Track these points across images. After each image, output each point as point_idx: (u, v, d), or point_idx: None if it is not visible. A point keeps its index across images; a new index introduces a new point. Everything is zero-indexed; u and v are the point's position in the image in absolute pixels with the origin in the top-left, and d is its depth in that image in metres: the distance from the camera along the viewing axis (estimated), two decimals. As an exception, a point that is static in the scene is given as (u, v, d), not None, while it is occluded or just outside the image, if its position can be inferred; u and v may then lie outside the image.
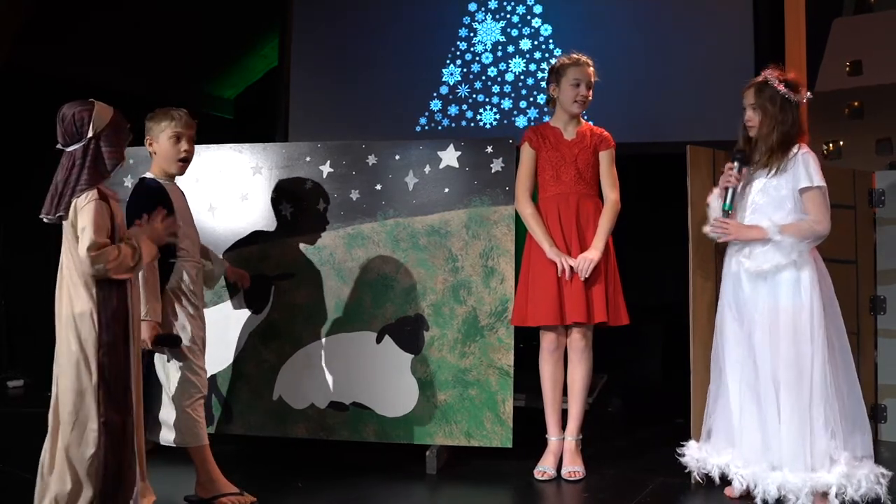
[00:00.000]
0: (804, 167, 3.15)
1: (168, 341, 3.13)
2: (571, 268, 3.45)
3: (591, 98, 3.64)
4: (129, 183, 4.06)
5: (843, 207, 3.86)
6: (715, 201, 3.30)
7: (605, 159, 3.63)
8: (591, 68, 3.63)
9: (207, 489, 3.12)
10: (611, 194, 3.61)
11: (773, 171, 3.18)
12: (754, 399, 3.15)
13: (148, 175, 3.30)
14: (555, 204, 3.57)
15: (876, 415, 4.10)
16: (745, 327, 3.19)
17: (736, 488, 3.20)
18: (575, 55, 3.65)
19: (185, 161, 3.29)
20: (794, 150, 3.19)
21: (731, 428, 3.23)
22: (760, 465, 3.09)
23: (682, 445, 3.37)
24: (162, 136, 3.25)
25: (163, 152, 3.26)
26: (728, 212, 3.21)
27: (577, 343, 3.55)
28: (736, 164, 3.23)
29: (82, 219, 2.56)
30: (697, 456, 3.29)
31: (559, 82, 3.62)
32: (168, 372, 3.17)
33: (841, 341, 3.17)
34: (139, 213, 2.98)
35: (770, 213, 3.15)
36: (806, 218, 3.12)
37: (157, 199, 3.13)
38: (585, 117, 3.81)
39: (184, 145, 3.27)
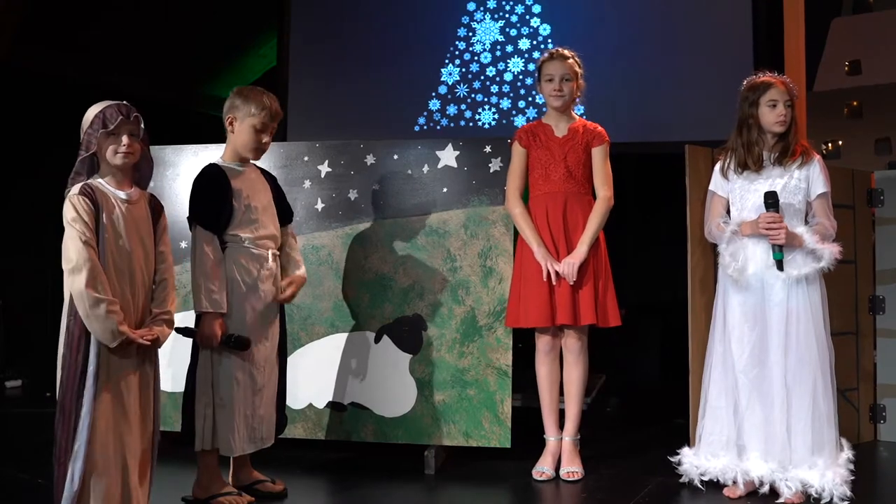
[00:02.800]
0: (823, 174, 3.23)
1: (236, 344, 3.03)
2: (557, 273, 3.40)
3: (573, 89, 3.54)
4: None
5: (842, 207, 3.86)
6: (728, 244, 3.24)
7: (598, 155, 3.54)
8: (569, 60, 3.53)
9: (206, 489, 3.11)
10: (602, 191, 3.51)
11: (787, 175, 3.21)
12: (765, 399, 3.16)
13: (217, 160, 3.22)
14: (543, 203, 3.52)
15: (875, 415, 4.09)
16: (757, 328, 3.19)
17: (738, 488, 3.20)
18: (551, 50, 3.62)
19: (262, 151, 3.23)
20: (811, 156, 3.24)
21: (729, 430, 3.22)
22: (775, 463, 3.12)
23: (679, 452, 3.37)
24: (246, 120, 3.15)
25: (240, 138, 3.17)
26: (781, 261, 3.12)
27: (573, 346, 3.52)
28: (772, 211, 3.12)
29: (65, 214, 2.58)
30: (697, 463, 3.28)
31: (539, 80, 3.60)
32: (216, 368, 3.07)
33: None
34: (199, 199, 3.10)
35: (786, 218, 3.16)
36: (822, 222, 3.20)
37: (216, 184, 3.11)
38: (584, 115, 3.79)
39: (264, 137, 3.19)
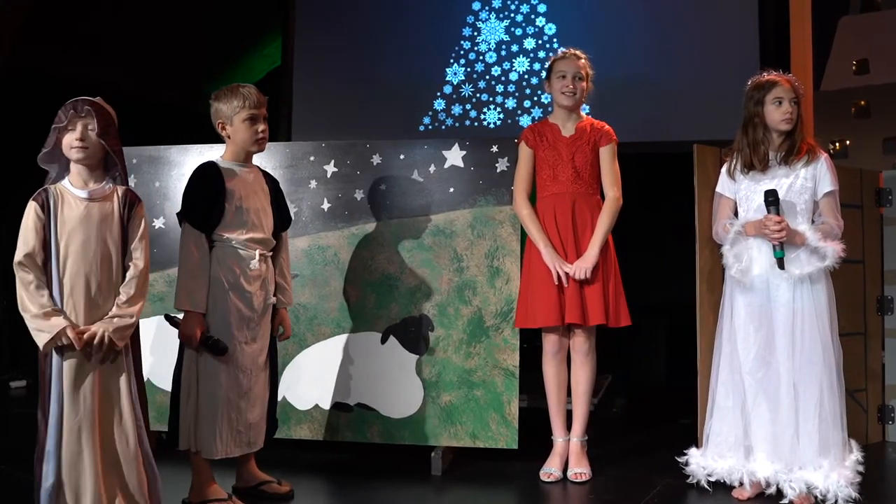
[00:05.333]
0: (830, 173, 3.21)
1: (213, 347, 3.01)
2: (567, 274, 3.38)
3: (583, 89, 3.53)
4: (132, 183, 4.04)
5: (850, 207, 3.83)
6: (732, 245, 3.22)
7: (606, 155, 3.53)
8: (582, 60, 3.54)
9: (198, 493, 3.10)
10: (611, 191, 3.50)
11: (792, 175, 3.19)
12: (771, 400, 3.14)
13: (217, 159, 3.20)
14: (552, 204, 3.50)
15: (884, 416, 4.07)
16: (764, 329, 3.17)
17: (745, 489, 3.18)
18: (565, 50, 3.61)
19: (264, 140, 3.21)
20: (817, 155, 3.21)
21: (736, 431, 3.21)
22: (781, 464, 3.10)
23: (686, 452, 3.36)
24: (235, 118, 3.13)
25: (238, 136, 3.16)
26: (782, 259, 3.10)
27: (581, 345, 3.51)
28: (772, 209, 3.10)
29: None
30: (704, 464, 3.26)
31: (549, 78, 3.59)
32: (200, 369, 3.05)
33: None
34: (190, 197, 3.08)
35: (790, 217, 3.15)
36: (828, 221, 3.18)
37: (209, 184, 3.10)
38: (591, 113, 3.77)
39: (260, 125, 3.16)
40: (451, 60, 5.96)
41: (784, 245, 3.09)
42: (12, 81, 6.11)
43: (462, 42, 5.97)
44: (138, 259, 2.72)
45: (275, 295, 3.27)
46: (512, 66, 5.86)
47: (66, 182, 2.70)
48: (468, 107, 5.90)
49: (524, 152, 3.58)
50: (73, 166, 2.70)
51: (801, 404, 3.10)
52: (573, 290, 3.39)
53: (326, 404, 3.80)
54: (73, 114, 2.65)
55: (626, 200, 3.56)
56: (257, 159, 3.36)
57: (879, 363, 4.10)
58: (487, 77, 5.89)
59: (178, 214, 3.13)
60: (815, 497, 3.05)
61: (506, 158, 3.75)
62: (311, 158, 3.94)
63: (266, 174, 3.35)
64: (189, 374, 3.05)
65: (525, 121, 5.76)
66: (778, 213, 3.10)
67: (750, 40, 5.43)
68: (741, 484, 3.18)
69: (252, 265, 3.13)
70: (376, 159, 3.88)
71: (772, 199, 3.10)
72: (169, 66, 7.31)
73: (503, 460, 3.69)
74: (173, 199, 3.98)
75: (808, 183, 3.19)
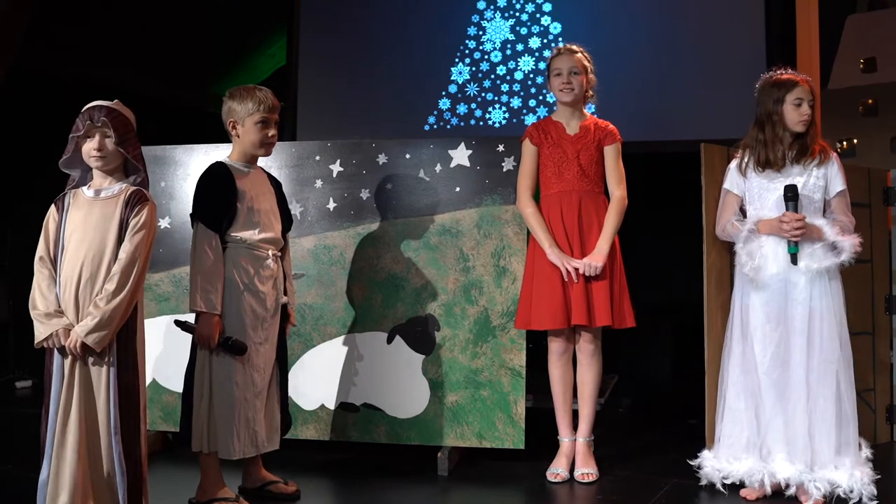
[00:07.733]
0: (841, 173, 3.22)
1: (232, 347, 3.00)
2: (576, 269, 3.36)
3: (582, 83, 3.48)
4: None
5: (857, 206, 3.81)
6: (745, 243, 3.21)
7: (611, 154, 3.51)
8: (577, 55, 3.50)
9: (205, 492, 3.09)
10: (616, 191, 3.49)
11: (806, 174, 3.19)
12: (787, 401, 3.13)
13: (225, 159, 3.19)
14: (557, 202, 3.48)
15: (892, 416, 4.05)
16: (780, 328, 3.15)
17: (754, 490, 3.16)
18: (559, 46, 3.60)
19: (271, 145, 3.20)
20: (828, 155, 3.23)
21: (749, 432, 3.19)
22: (802, 464, 3.09)
23: (697, 453, 3.34)
24: (248, 120, 3.12)
25: (248, 138, 3.14)
26: (796, 255, 3.11)
27: (586, 347, 3.49)
28: (791, 205, 3.10)
29: None
30: (718, 466, 3.24)
31: (549, 78, 3.57)
32: (214, 370, 3.04)
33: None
34: (203, 197, 3.08)
35: (808, 212, 3.14)
36: (840, 218, 3.18)
37: (221, 184, 3.09)
38: (596, 113, 3.75)
39: (270, 130, 3.15)
40: (457, 60, 5.95)
41: (799, 241, 3.09)
42: (19, 82, 6.11)
43: (467, 41, 5.95)
44: (122, 253, 2.67)
45: (284, 294, 3.27)
46: (517, 66, 5.84)
47: (83, 188, 2.76)
48: (473, 106, 5.88)
49: (528, 150, 3.56)
50: (94, 170, 2.76)
51: (818, 404, 3.08)
52: (579, 292, 3.36)
53: (332, 404, 3.79)
54: (90, 123, 2.67)
55: (633, 200, 3.55)
56: (263, 159, 3.35)
57: (888, 363, 4.08)
58: (493, 76, 5.88)
59: (191, 216, 3.12)
60: (838, 495, 3.04)
61: (512, 157, 3.73)
62: (317, 158, 3.93)
63: (269, 175, 3.35)
64: (202, 375, 3.04)
65: (531, 120, 5.73)
66: (797, 209, 3.10)
67: (757, 39, 5.39)
68: (760, 485, 3.16)
69: (268, 265, 3.13)
70: (382, 159, 3.87)
71: (791, 194, 3.10)
72: (174, 65, 7.32)
73: (510, 460, 3.68)
74: (179, 198, 3.98)
75: (820, 182, 3.20)
